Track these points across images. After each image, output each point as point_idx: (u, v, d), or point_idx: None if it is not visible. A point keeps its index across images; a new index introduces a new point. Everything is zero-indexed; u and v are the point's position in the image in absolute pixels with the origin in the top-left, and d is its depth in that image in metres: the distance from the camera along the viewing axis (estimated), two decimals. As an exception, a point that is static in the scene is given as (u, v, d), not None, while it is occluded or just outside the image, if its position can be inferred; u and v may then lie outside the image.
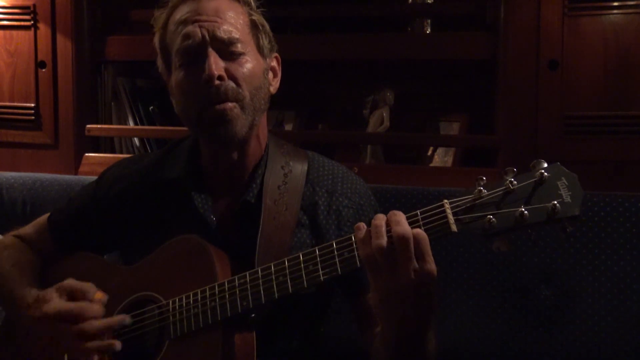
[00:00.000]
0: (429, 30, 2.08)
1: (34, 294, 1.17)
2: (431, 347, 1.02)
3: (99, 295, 1.12)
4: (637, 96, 1.69)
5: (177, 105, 1.17)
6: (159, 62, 1.21)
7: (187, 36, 1.11)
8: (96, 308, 1.10)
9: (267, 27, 1.21)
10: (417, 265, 0.88)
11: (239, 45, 1.13)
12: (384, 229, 0.90)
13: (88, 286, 1.13)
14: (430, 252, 0.89)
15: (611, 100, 1.70)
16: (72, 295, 1.12)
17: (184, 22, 1.12)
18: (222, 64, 1.10)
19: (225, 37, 1.11)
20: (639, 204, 1.54)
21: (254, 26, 1.18)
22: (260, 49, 1.18)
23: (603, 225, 1.54)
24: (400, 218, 0.91)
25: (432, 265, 0.88)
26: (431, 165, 2.11)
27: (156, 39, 1.20)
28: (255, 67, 1.15)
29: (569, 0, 1.69)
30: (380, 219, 0.92)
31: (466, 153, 2.03)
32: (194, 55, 1.11)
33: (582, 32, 1.70)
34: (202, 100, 1.10)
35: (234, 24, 1.13)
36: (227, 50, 1.12)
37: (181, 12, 1.14)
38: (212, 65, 1.09)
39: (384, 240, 0.89)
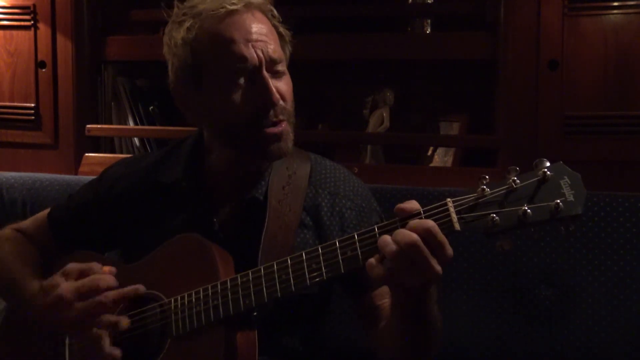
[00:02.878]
0: (429, 30, 2.09)
1: (38, 284, 1.16)
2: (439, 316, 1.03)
3: (107, 268, 1.12)
4: (637, 96, 1.69)
5: (216, 122, 1.15)
6: (180, 77, 1.15)
7: (243, 58, 1.08)
8: (109, 279, 1.09)
9: (289, 37, 1.21)
10: (438, 258, 0.88)
11: (281, 63, 1.14)
12: (388, 239, 0.89)
13: (93, 264, 1.12)
14: (444, 238, 0.88)
15: (611, 100, 1.70)
16: (81, 275, 1.11)
17: (233, 41, 1.08)
18: (275, 85, 1.11)
19: (277, 57, 1.11)
20: (639, 204, 1.54)
21: (282, 40, 1.18)
22: (287, 62, 1.19)
23: (603, 225, 1.54)
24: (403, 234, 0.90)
25: (450, 251, 0.88)
26: (431, 165, 2.11)
27: (180, 54, 1.13)
28: (290, 80, 1.17)
29: (569, 0, 1.70)
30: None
31: (466, 153, 2.03)
32: (247, 75, 1.10)
33: (582, 32, 1.70)
34: (258, 122, 1.10)
35: (275, 40, 1.14)
36: (274, 68, 1.12)
37: (222, 28, 1.09)
38: (274, 90, 1.09)
39: (392, 246, 0.88)
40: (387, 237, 0.90)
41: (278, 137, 1.12)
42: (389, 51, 1.94)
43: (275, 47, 1.12)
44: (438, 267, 0.88)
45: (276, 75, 1.12)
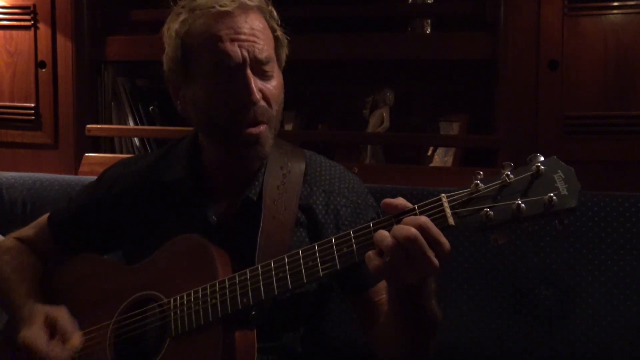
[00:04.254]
0: (429, 30, 2.09)
1: (30, 308, 1.19)
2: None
3: (74, 341, 1.14)
4: (637, 96, 1.69)
5: (198, 116, 1.16)
6: (171, 68, 1.17)
7: (226, 55, 1.08)
8: (61, 355, 1.12)
9: (286, 41, 1.20)
10: (436, 251, 0.88)
11: (270, 64, 1.13)
12: (385, 233, 0.90)
13: (70, 329, 1.15)
14: (441, 234, 0.89)
15: (611, 100, 1.70)
16: (53, 331, 1.14)
17: (220, 39, 1.09)
18: (259, 86, 1.11)
19: (263, 57, 1.11)
20: (639, 204, 1.54)
21: (277, 42, 1.18)
22: (280, 64, 1.19)
23: (603, 225, 1.54)
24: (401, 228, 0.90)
25: (448, 245, 0.89)
26: (431, 165, 2.11)
27: (172, 45, 1.15)
28: (280, 84, 1.16)
29: (569, 0, 1.70)
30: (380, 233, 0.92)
31: (466, 153, 2.03)
32: (230, 73, 1.10)
33: (582, 32, 1.70)
34: (237, 120, 1.10)
35: (267, 42, 1.13)
36: (260, 69, 1.12)
37: (212, 25, 1.10)
38: (254, 89, 1.09)
39: (389, 240, 0.88)
40: (383, 232, 0.90)
41: (256, 139, 1.11)
42: (389, 51, 1.94)
43: (264, 47, 1.11)
44: (435, 261, 0.88)
45: (263, 77, 1.12)
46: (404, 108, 2.20)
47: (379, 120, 2.15)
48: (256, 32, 1.11)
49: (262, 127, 1.12)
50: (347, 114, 2.29)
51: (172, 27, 1.16)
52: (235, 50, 1.09)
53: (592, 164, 1.71)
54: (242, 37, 1.09)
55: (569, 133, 1.72)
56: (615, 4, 1.69)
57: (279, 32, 1.18)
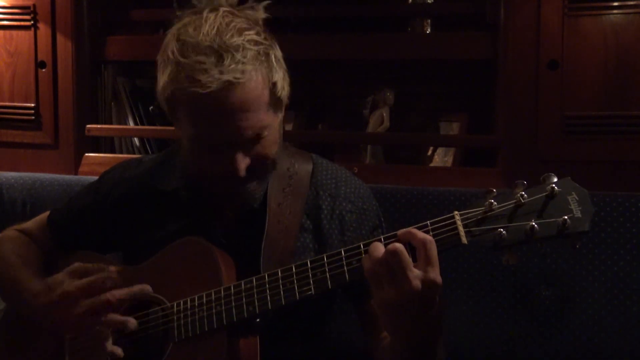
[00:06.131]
0: (429, 30, 2.09)
1: (40, 283, 1.14)
2: (440, 357, 1.02)
3: (113, 267, 1.09)
4: (637, 96, 1.69)
5: (183, 152, 1.14)
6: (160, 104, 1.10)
7: (208, 136, 1.02)
8: (115, 277, 1.06)
9: (287, 84, 1.08)
10: (419, 273, 0.87)
11: (262, 132, 1.04)
12: (381, 243, 0.92)
13: (99, 264, 1.10)
14: (436, 259, 0.88)
15: (611, 100, 1.70)
16: (86, 274, 1.09)
17: (201, 118, 1.01)
18: (247, 160, 1.04)
19: (251, 135, 1.02)
20: (639, 204, 1.54)
21: (274, 97, 1.05)
22: (280, 109, 1.10)
23: (603, 225, 1.54)
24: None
25: (435, 274, 0.87)
26: (431, 165, 2.11)
27: (160, 96, 1.06)
28: (276, 134, 1.09)
29: (569, 0, 1.69)
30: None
31: (466, 153, 2.03)
32: (216, 149, 1.04)
33: (582, 32, 1.70)
34: (221, 184, 1.08)
35: (258, 110, 1.01)
36: (252, 139, 1.04)
37: (194, 101, 0.99)
38: (239, 167, 1.03)
39: (380, 252, 0.90)
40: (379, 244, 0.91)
41: (242, 195, 1.10)
42: (389, 51, 1.94)
43: (249, 125, 1.01)
44: (414, 283, 0.86)
45: (255, 141, 1.05)
46: (404, 108, 2.20)
47: (379, 120, 2.15)
48: (245, 108, 0.99)
49: (249, 184, 1.08)
50: (347, 114, 2.29)
51: (160, 77, 1.04)
52: (216, 134, 1.01)
53: (592, 164, 1.71)
54: (223, 121, 0.99)
55: (568, 133, 1.72)
56: (615, 4, 1.69)
57: (279, 84, 1.05)
